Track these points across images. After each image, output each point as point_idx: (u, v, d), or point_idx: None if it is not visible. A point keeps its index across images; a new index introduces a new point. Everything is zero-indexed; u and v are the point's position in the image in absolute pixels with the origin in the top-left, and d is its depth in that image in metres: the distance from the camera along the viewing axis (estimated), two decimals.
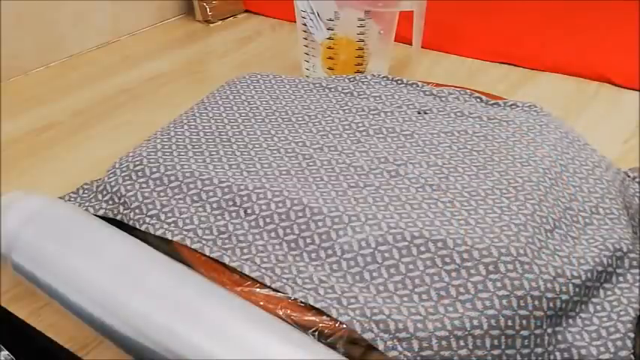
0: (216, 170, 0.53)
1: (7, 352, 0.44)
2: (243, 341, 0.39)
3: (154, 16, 1.05)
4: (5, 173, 0.65)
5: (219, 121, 0.60)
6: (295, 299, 0.43)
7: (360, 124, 0.60)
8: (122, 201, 0.51)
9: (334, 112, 0.63)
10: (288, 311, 0.42)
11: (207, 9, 1.05)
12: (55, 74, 0.89)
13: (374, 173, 0.53)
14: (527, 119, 0.60)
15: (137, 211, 0.50)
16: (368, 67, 0.79)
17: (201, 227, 0.48)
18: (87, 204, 0.54)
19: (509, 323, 0.40)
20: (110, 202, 0.52)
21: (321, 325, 0.41)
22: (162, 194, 0.51)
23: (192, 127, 0.59)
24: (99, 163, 0.60)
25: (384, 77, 0.69)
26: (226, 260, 0.46)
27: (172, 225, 0.49)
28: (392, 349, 0.39)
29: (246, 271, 0.45)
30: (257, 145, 0.57)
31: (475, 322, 0.40)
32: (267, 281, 0.44)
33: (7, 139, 0.72)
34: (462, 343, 0.40)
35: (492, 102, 0.65)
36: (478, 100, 0.65)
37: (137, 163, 0.53)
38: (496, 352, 0.40)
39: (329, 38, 0.76)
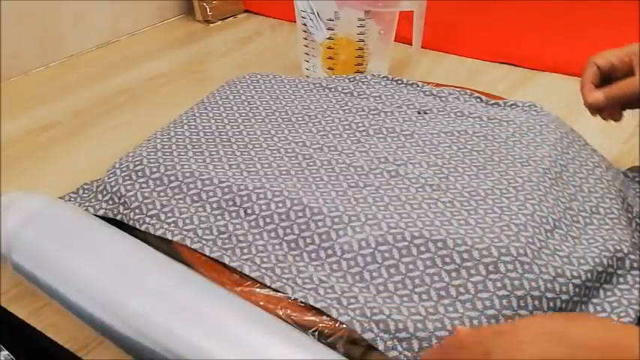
0: (216, 170, 0.53)
1: (7, 352, 0.44)
2: (243, 341, 0.39)
3: (154, 16, 1.05)
4: (5, 173, 0.65)
5: (219, 121, 0.60)
6: (295, 299, 0.43)
7: (360, 124, 0.60)
8: (122, 201, 0.51)
9: (334, 112, 0.63)
10: (288, 311, 0.42)
11: (207, 9, 1.05)
12: (55, 74, 0.89)
13: (374, 173, 0.53)
14: (527, 119, 0.60)
15: (137, 211, 0.50)
16: (368, 67, 0.79)
17: (201, 227, 0.48)
18: (87, 204, 0.54)
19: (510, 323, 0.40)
20: (110, 202, 0.52)
21: (321, 325, 0.41)
22: (162, 194, 0.51)
23: (192, 127, 0.59)
24: (99, 163, 0.60)
25: (384, 77, 0.69)
26: (226, 260, 0.46)
27: (172, 225, 0.49)
28: (392, 349, 0.39)
29: (246, 271, 0.45)
30: (257, 145, 0.57)
31: (475, 322, 0.40)
32: (267, 281, 0.44)
33: (7, 139, 0.72)
34: None
35: (492, 102, 0.65)
36: (478, 100, 0.65)
37: (137, 163, 0.53)
38: None
39: (329, 38, 0.76)
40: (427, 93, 0.67)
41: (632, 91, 0.56)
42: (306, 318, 0.41)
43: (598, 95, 0.57)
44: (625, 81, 0.57)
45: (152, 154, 0.55)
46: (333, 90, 0.67)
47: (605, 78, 0.58)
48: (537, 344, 0.32)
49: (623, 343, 0.31)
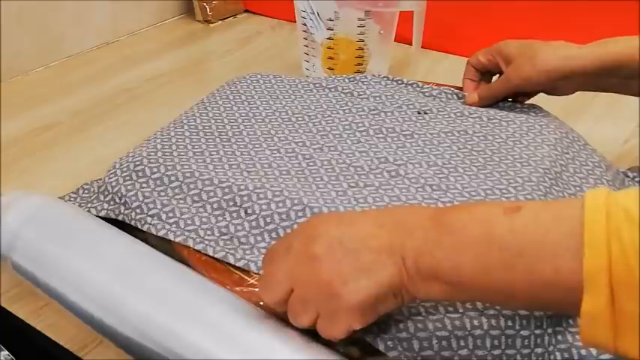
0: (217, 170, 0.53)
1: (7, 352, 0.44)
2: (242, 341, 0.39)
3: (154, 16, 1.05)
4: (5, 173, 0.65)
5: (219, 121, 0.60)
6: None
7: (360, 124, 0.60)
8: (123, 201, 0.51)
9: (334, 112, 0.63)
10: None
11: (207, 9, 1.05)
12: (55, 74, 0.89)
13: (374, 173, 0.53)
14: (527, 119, 0.60)
15: (138, 210, 0.50)
16: (368, 67, 0.79)
17: (202, 228, 0.48)
18: (89, 205, 0.54)
19: (510, 323, 0.40)
20: (111, 203, 0.52)
21: None
22: (162, 194, 0.51)
23: (192, 127, 0.59)
24: (99, 163, 0.60)
25: (384, 77, 0.69)
26: (231, 260, 0.46)
27: (174, 225, 0.48)
28: (392, 350, 0.39)
29: (254, 268, 0.45)
30: (257, 145, 0.57)
31: (475, 322, 0.40)
32: None
33: (7, 139, 0.72)
34: (462, 343, 0.40)
35: None
36: None
37: (137, 163, 0.53)
38: (496, 352, 0.40)
39: (329, 38, 0.76)
40: (427, 93, 0.67)
41: (502, 91, 0.63)
42: None
43: (473, 97, 0.64)
44: (495, 82, 0.65)
45: (152, 154, 0.55)
46: (333, 90, 0.67)
47: (487, 72, 0.66)
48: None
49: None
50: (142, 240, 0.48)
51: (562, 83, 0.59)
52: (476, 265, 0.33)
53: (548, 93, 0.62)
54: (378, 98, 0.65)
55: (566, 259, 0.30)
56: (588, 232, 0.29)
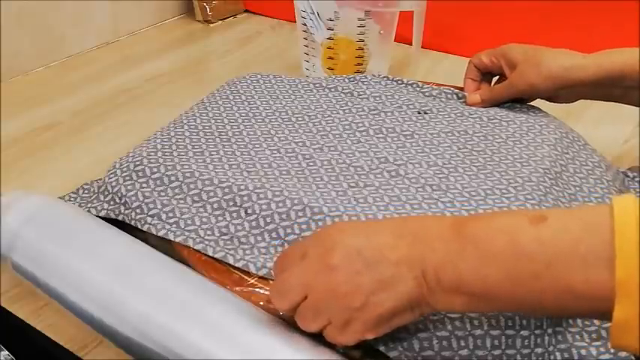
0: (217, 170, 0.53)
1: (7, 352, 0.44)
2: (243, 341, 0.39)
3: (154, 16, 1.05)
4: (5, 173, 0.65)
5: (219, 121, 0.60)
6: None
7: (360, 124, 0.60)
8: (123, 201, 0.51)
9: (334, 112, 0.63)
10: None
11: (207, 9, 1.05)
12: (55, 74, 0.89)
13: (374, 173, 0.53)
14: (527, 119, 0.60)
15: (138, 210, 0.50)
16: (368, 67, 0.79)
17: (202, 228, 0.48)
18: (89, 205, 0.54)
19: (510, 323, 0.40)
20: (112, 203, 0.52)
21: None
22: (162, 194, 0.51)
23: (192, 127, 0.59)
24: (99, 163, 0.60)
25: (384, 77, 0.69)
26: (230, 260, 0.46)
27: (174, 226, 0.48)
28: (392, 350, 0.39)
29: (252, 269, 0.45)
30: (257, 145, 0.57)
31: (476, 322, 0.40)
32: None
33: (7, 139, 0.72)
34: (462, 343, 0.40)
35: None
36: None
37: (137, 163, 0.53)
38: (496, 352, 0.40)
39: (329, 38, 0.76)
40: (427, 93, 0.67)
41: (505, 95, 0.63)
42: None
43: (475, 97, 0.64)
44: (498, 86, 0.65)
45: (152, 154, 0.55)
46: (333, 90, 0.67)
47: (488, 73, 0.66)
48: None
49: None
50: (142, 240, 0.48)
51: (565, 92, 0.60)
52: (503, 276, 0.33)
53: (550, 100, 0.62)
54: (378, 98, 0.65)
55: (598, 268, 0.30)
56: (619, 235, 0.29)
